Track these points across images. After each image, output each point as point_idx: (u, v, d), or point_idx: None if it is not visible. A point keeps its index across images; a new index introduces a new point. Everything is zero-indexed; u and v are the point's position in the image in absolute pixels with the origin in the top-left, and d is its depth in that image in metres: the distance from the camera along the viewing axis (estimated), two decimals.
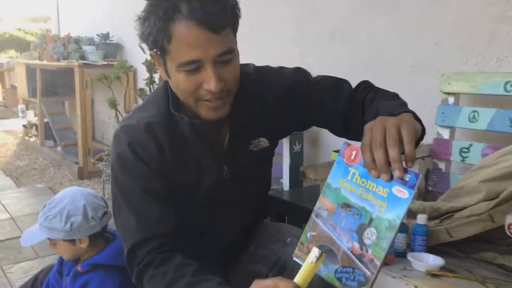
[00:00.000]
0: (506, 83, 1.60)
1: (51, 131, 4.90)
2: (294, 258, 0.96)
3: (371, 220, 0.89)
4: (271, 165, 1.41)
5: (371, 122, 0.92)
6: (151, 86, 3.37)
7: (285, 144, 2.36)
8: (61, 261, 1.60)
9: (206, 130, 1.19)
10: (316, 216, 0.95)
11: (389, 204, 0.87)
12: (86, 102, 4.18)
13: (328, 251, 0.91)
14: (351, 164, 0.93)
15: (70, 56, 4.41)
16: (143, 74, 3.64)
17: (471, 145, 1.70)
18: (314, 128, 2.45)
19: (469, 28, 1.84)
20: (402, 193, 0.87)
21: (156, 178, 1.17)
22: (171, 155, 1.18)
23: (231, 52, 1.08)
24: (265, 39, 2.78)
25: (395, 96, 1.24)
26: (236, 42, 1.12)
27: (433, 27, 1.96)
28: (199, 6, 1.03)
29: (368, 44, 2.24)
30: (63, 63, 4.39)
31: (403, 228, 1.48)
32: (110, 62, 4.19)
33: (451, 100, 1.78)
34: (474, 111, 1.69)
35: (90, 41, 4.57)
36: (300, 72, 1.31)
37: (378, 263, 0.86)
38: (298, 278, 0.88)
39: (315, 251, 0.86)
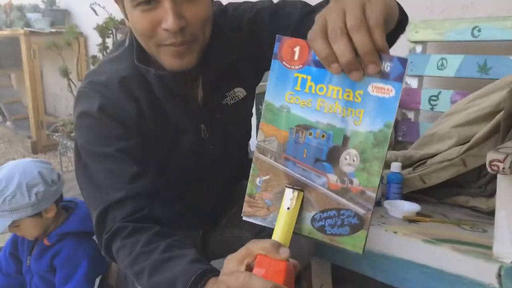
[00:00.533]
0: (473, 28, 1.60)
1: None
2: (245, 218, 0.70)
3: (345, 139, 0.63)
4: (251, 116, 1.28)
5: (323, 9, 0.64)
6: (104, 52, 3.23)
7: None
8: (14, 242, 1.50)
9: (176, 84, 1.04)
10: (262, 152, 0.67)
11: (368, 110, 0.61)
12: (35, 73, 3.96)
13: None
14: (296, 67, 0.63)
15: (14, 24, 4.13)
16: (94, 40, 3.47)
17: (439, 92, 1.70)
18: None
19: None
20: (385, 90, 0.60)
21: (132, 137, 1.01)
22: (149, 113, 1.04)
23: None
24: None
25: None
26: None
27: None
28: None
29: None
30: (6, 32, 4.11)
31: None
32: (58, 29, 3.96)
33: (418, 48, 1.77)
34: (442, 59, 1.68)
35: (35, 8, 4.29)
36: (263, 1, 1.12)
37: (373, 194, 0.62)
38: (276, 233, 0.65)
39: (288, 193, 0.65)
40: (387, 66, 0.59)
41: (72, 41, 3.21)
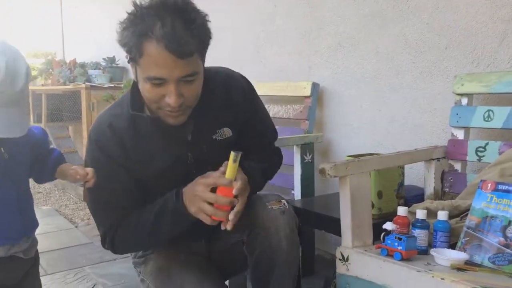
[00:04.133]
0: None
1: None
2: None
3: (509, 222, 1.33)
4: None
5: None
6: None
7: (296, 154, 2.36)
8: None
9: (167, 125, 1.31)
10: (467, 228, 1.41)
11: None
12: None
13: (478, 246, 1.36)
14: (488, 192, 1.40)
15: (76, 80, 4.44)
16: None
17: (487, 144, 1.70)
18: (324, 138, 2.47)
19: (479, 31, 1.87)
20: None
21: (122, 173, 1.35)
22: (134, 152, 1.34)
23: (195, 74, 1.24)
24: (274, 53, 2.82)
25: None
26: (202, 64, 1.27)
27: (442, 33, 1.99)
28: (170, 31, 1.16)
29: (377, 53, 2.27)
30: (69, 86, 4.42)
31: (424, 225, 1.47)
32: (116, 85, 4.23)
33: (464, 101, 1.79)
34: (489, 110, 1.69)
35: (96, 66, 4.61)
36: (260, 103, 1.53)
37: None
38: (227, 174, 1.26)
39: (233, 155, 1.25)
40: None
41: None
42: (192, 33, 1.18)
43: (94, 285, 2.35)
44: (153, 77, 1.21)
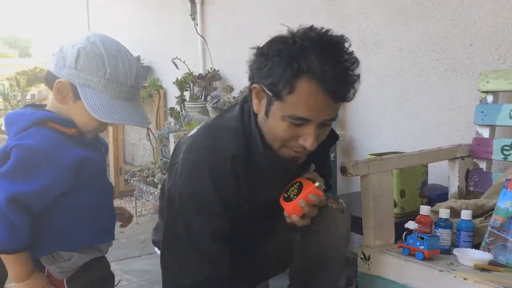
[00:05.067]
0: None
1: None
2: None
3: None
4: None
5: None
6: (182, 105, 3.45)
7: None
8: None
9: (284, 163, 1.28)
10: (491, 228, 1.38)
11: None
12: (118, 124, 4.25)
13: (503, 246, 1.34)
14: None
15: None
16: (173, 93, 3.71)
17: None
18: (346, 136, 2.46)
19: (505, 27, 1.83)
20: None
21: (226, 217, 1.26)
22: (246, 188, 1.27)
23: (333, 119, 1.19)
24: None
25: None
26: None
27: (467, 29, 1.96)
28: (332, 74, 1.07)
29: (401, 51, 2.25)
30: None
31: (447, 224, 1.45)
32: None
33: (489, 98, 1.76)
34: None
35: None
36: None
37: None
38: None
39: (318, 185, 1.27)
40: None
41: (153, 93, 3.46)
42: (351, 77, 1.12)
43: (119, 281, 2.39)
44: (298, 117, 1.12)
